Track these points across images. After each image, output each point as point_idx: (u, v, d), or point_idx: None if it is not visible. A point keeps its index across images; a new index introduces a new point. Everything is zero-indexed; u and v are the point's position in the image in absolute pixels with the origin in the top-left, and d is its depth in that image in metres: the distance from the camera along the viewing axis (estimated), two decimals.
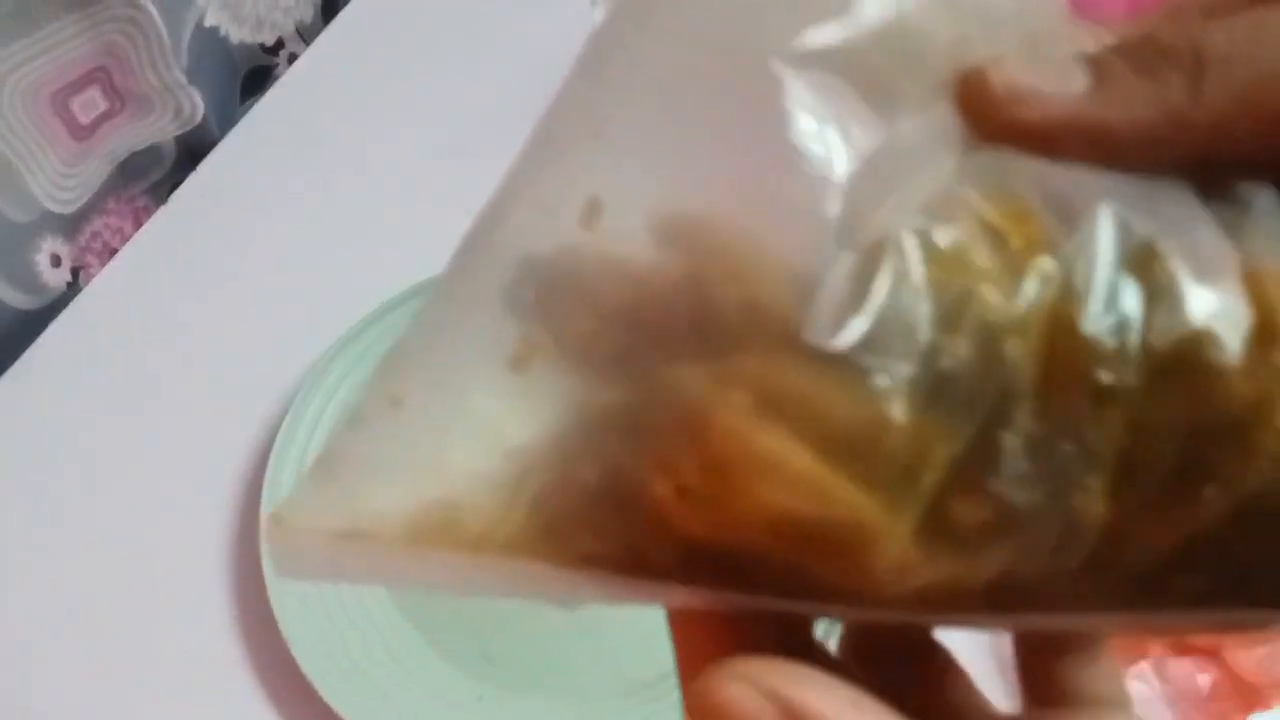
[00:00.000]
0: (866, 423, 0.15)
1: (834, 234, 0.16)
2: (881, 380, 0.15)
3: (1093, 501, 0.16)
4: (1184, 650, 0.44)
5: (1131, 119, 0.17)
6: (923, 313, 0.16)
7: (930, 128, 0.17)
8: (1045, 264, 0.16)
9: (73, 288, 0.62)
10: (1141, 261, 0.16)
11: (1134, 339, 0.16)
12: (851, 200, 0.16)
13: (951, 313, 0.16)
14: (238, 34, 0.68)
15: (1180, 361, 0.16)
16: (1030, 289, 0.16)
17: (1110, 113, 0.17)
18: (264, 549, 0.52)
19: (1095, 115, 0.17)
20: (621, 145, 0.17)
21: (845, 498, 0.15)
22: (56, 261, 0.61)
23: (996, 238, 0.16)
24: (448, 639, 0.52)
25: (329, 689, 0.48)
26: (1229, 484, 0.16)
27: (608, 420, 0.15)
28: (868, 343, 0.15)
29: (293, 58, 0.70)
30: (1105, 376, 0.16)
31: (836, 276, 0.15)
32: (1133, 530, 0.17)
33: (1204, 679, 0.44)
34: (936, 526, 0.16)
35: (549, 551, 0.15)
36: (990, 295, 0.16)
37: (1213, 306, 0.16)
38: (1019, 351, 0.16)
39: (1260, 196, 0.17)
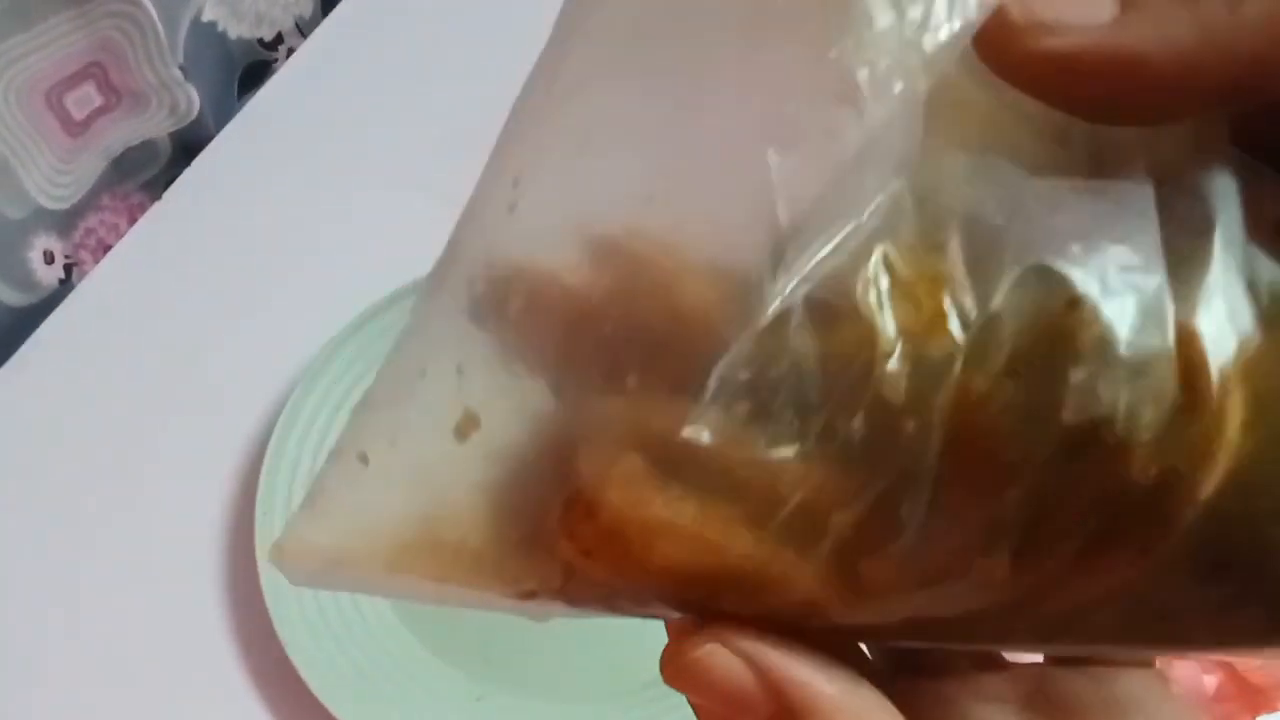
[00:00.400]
0: (766, 486, 0.16)
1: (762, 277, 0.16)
2: (780, 451, 0.15)
3: (998, 567, 0.16)
4: None
5: (1164, 43, 0.15)
6: (819, 389, 0.15)
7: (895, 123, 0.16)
8: (951, 339, 0.15)
9: (66, 285, 0.62)
10: (1060, 332, 0.16)
11: (1042, 417, 0.15)
12: (780, 242, 0.16)
13: (849, 390, 0.15)
14: (236, 29, 0.67)
15: (1092, 437, 0.16)
16: (934, 367, 0.15)
17: (1141, 38, 0.15)
18: (260, 549, 0.51)
19: (1125, 41, 0.15)
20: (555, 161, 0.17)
21: (744, 552, 0.16)
22: (50, 258, 0.61)
23: (907, 304, 0.15)
24: (446, 639, 0.51)
25: (325, 690, 0.48)
26: (1145, 551, 0.16)
27: (523, 487, 0.17)
28: (766, 412, 0.15)
29: (291, 53, 0.70)
30: (1011, 454, 0.16)
31: (742, 343, 0.15)
32: (1044, 587, 0.16)
33: (1209, 680, 0.43)
34: (843, 579, 0.16)
35: (501, 585, 0.17)
36: (890, 377, 0.15)
37: (1131, 383, 0.15)
38: (918, 431, 0.15)
39: (1223, 223, 0.16)
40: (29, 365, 0.59)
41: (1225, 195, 0.17)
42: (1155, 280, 0.16)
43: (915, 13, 0.16)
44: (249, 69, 0.70)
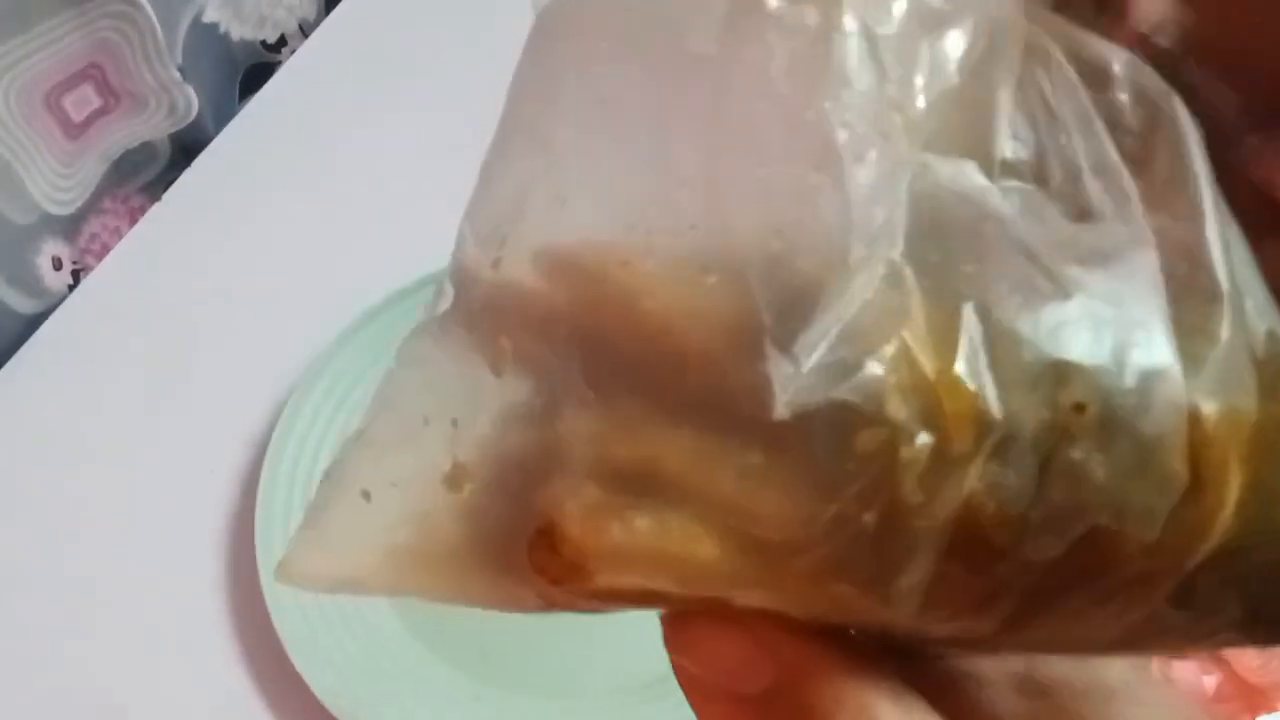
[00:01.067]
0: (746, 524, 0.16)
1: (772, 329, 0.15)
2: (785, 522, 0.16)
3: (984, 624, 0.17)
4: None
5: None
6: (836, 482, 0.15)
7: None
8: (971, 445, 0.15)
9: (74, 290, 0.62)
10: (1073, 433, 0.15)
11: (1053, 517, 0.16)
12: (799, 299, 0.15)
13: (866, 489, 0.15)
14: (239, 31, 0.67)
15: (1099, 533, 0.16)
16: (951, 471, 0.15)
17: None
18: (260, 548, 0.51)
19: None
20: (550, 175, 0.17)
21: (710, 567, 0.16)
22: (58, 264, 0.61)
23: (928, 409, 0.15)
24: (445, 638, 0.51)
25: (325, 689, 0.48)
26: (1127, 609, 0.17)
27: (500, 523, 0.17)
28: (775, 480, 0.15)
29: (293, 56, 0.70)
30: (1018, 550, 0.16)
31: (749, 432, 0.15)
32: (1031, 622, 0.17)
33: (1209, 680, 0.43)
34: (820, 600, 0.16)
35: (494, 603, 0.18)
36: (909, 482, 0.15)
37: (1142, 478, 0.16)
38: (928, 527, 0.15)
39: (1229, 291, 0.16)
40: (30, 365, 0.59)
41: (1229, 252, 0.17)
42: (1166, 360, 0.16)
43: (894, 75, 0.16)
44: (252, 71, 0.70)
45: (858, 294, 0.15)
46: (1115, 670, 0.20)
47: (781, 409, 0.15)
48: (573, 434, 0.16)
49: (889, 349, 0.15)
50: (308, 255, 0.61)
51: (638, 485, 0.16)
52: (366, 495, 0.18)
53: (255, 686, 0.51)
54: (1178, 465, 0.16)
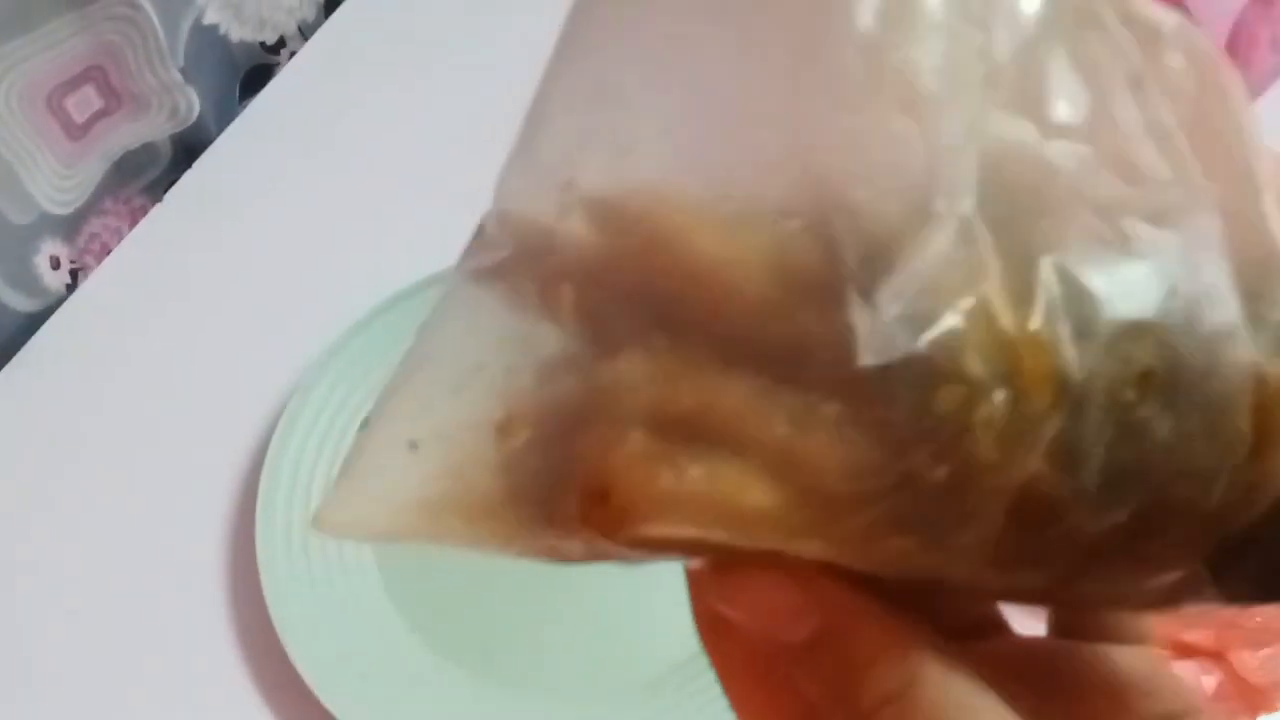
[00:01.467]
0: (807, 474, 0.16)
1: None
2: (855, 474, 0.15)
3: (1039, 578, 0.17)
4: (1188, 652, 0.44)
5: None
6: (910, 438, 0.15)
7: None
8: (1047, 404, 0.15)
9: (72, 290, 0.62)
10: (1145, 392, 0.15)
11: (1119, 479, 0.16)
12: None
13: (941, 445, 0.15)
14: (239, 33, 0.67)
15: (1167, 494, 0.16)
16: (1027, 431, 0.15)
17: None
18: (261, 549, 0.51)
19: None
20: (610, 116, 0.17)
21: (758, 513, 0.16)
22: (56, 264, 0.61)
23: (1008, 367, 0.15)
24: (446, 638, 0.51)
25: (325, 689, 0.48)
26: (1180, 566, 0.17)
27: (547, 475, 0.17)
28: (848, 431, 0.15)
29: (294, 57, 0.70)
30: (1077, 511, 0.16)
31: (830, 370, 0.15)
32: (1084, 577, 0.17)
33: (1209, 680, 0.43)
34: (866, 551, 0.16)
35: (536, 554, 0.18)
36: (984, 439, 0.15)
37: (1208, 441, 0.16)
38: (997, 486, 0.15)
39: None
40: (30, 366, 0.59)
41: None
42: (1234, 321, 0.16)
43: (980, 25, 0.16)
44: (252, 72, 0.70)
45: (937, 246, 0.15)
46: (1129, 659, 0.21)
47: (866, 358, 0.15)
48: (630, 383, 0.16)
49: (967, 303, 0.15)
50: (308, 256, 0.61)
51: (693, 434, 0.16)
52: (413, 445, 0.18)
53: (255, 686, 0.51)
54: (1243, 425, 0.16)
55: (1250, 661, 0.43)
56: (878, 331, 0.15)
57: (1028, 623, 0.22)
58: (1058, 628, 0.22)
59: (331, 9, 0.72)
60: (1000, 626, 0.22)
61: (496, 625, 0.52)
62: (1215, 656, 0.43)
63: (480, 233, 0.18)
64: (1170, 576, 0.17)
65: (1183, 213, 0.16)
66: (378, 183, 0.63)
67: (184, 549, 0.54)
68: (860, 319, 0.15)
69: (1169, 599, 0.17)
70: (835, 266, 0.15)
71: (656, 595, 0.50)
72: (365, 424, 0.19)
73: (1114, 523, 0.16)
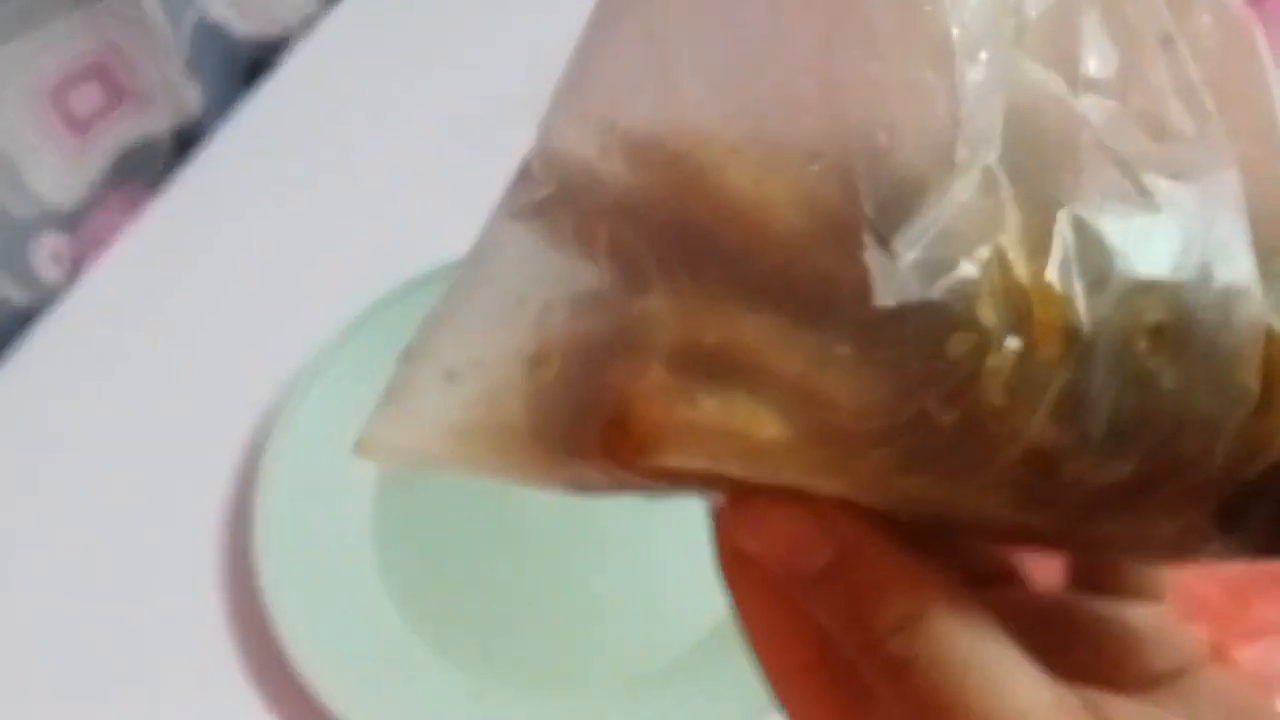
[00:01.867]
0: (818, 409, 0.16)
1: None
2: (868, 412, 0.16)
3: (1048, 521, 0.17)
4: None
5: None
6: (922, 381, 0.15)
7: None
8: (1057, 354, 0.16)
9: (72, 284, 0.62)
10: (1158, 344, 0.16)
11: (1127, 433, 0.16)
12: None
13: (952, 389, 0.16)
14: (243, 27, 0.67)
15: (1166, 447, 0.16)
16: (1037, 379, 0.16)
17: None
18: (259, 548, 0.51)
19: None
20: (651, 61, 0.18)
21: (778, 459, 0.16)
22: (57, 258, 0.61)
23: (1020, 316, 0.15)
24: (446, 637, 0.51)
25: (325, 689, 0.48)
26: (1182, 516, 0.17)
27: (573, 406, 0.18)
28: (864, 370, 0.16)
29: (296, 52, 0.70)
30: (1093, 458, 0.16)
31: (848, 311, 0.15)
32: (1090, 522, 0.17)
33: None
34: (877, 488, 0.17)
35: (561, 483, 0.19)
36: (995, 386, 0.15)
37: (1216, 396, 0.16)
38: (1006, 434, 0.16)
39: None
40: (28, 362, 0.59)
41: None
42: (1247, 278, 0.16)
43: None
44: (254, 67, 0.70)
45: (957, 195, 0.15)
46: (1141, 614, 0.21)
47: (879, 299, 0.15)
48: (656, 319, 0.17)
49: (984, 252, 0.15)
50: (309, 251, 0.61)
51: (714, 370, 0.16)
52: (451, 375, 0.19)
53: (255, 686, 0.51)
54: (1250, 381, 0.16)
55: (1250, 653, 0.43)
56: (894, 275, 0.15)
57: (1044, 576, 0.22)
58: (1074, 580, 0.22)
59: (334, 3, 0.72)
60: (1016, 578, 0.23)
61: (495, 623, 0.52)
62: (1215, 653, 0.43)
63: (525, 171, 0.19)
64: (1177, 523, 0.17)
65: (1204, 169, 0.17)
66: (379, 178, 0.63)
67: (180, 544, 0.54)
68: (874, 261, 0.15)
69: (1178, 547, 0.18)
70: (857, 210, 0.16)
71: (656, 594, 0.51)
72: (406, 354, 0.20)
73: (1121, 471, 0.16)
